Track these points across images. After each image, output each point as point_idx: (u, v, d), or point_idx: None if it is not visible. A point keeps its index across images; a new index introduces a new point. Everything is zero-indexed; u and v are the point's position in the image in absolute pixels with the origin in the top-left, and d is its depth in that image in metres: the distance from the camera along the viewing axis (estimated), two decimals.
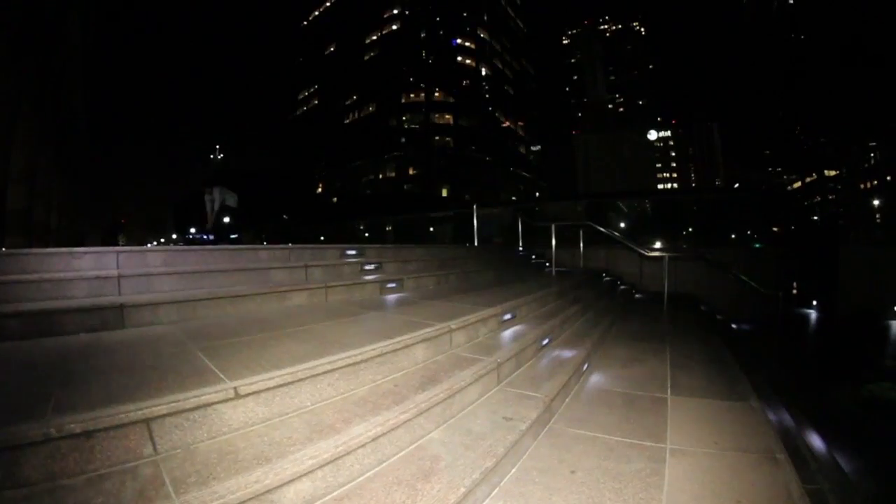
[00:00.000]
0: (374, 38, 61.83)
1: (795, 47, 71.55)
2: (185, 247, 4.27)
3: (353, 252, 4.60)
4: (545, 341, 3.39)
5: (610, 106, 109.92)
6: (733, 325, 7.61)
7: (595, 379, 3.33)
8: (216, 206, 76.85)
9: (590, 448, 2.27)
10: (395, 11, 60.23)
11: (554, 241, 7.35)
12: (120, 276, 2.76)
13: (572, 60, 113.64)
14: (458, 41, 61.64)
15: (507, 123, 69.31)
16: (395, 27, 60.26)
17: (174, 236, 72.98)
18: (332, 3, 67.58)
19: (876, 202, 50.75)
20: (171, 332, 2.37)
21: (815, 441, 3.38)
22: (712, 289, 8.70)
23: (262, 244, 9.46)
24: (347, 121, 63.22)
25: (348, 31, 63.70)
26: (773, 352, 6.13)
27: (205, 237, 59.68)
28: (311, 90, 71.04)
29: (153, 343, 2.15)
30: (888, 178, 52.71)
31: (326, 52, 67.90)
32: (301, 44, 71.77)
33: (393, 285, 4.15)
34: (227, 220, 64.70)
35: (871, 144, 54.90)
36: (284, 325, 2.60)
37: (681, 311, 6.79)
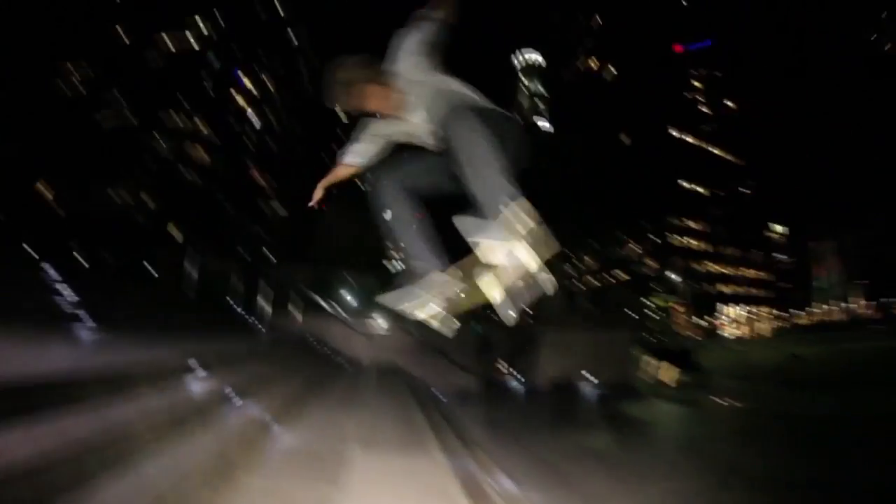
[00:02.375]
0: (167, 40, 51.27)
1: None
2: None
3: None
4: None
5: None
6: (442, 399, 8.26)
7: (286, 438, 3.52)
8: None
9: None
10: None
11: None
12: None
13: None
14: (242, 77, 56.78)
15: (262, 180, 60.27)
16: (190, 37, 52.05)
17: None
18: None
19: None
20: None
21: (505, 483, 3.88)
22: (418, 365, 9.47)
23: None
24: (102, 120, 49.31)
25: None
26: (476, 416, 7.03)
27: None
28: None
29: None
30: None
31: None
32: None
33: None
34: None
35: None
36: None
37: (386, 380, 7.40)
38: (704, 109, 71.03)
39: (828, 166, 67.24)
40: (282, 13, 64.31)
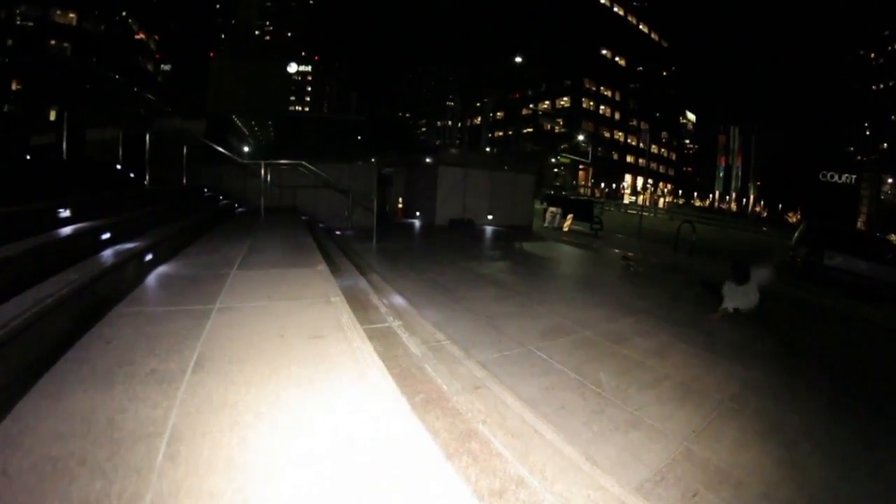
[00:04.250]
0: None
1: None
2: None
3: None
4: (105, 235, 3.44)
5: (257, 32, 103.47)
6: (336, 231, 8.83)
7: (163, 268, 3.72)
8: None
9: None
10: None
11: (151, 159, 7.00)
12: None
13: None
14: None
15: (141, 35, 57.69)
16: None
17: None
18: None
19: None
20: None
21: (395, 298, 4.42)
22: (319, 202, 9.85)
23: None
24: None
25: None
26: (371, 248, 7.44)
27: None
28: None
29: None
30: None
31: None
32: None
33: None
34: None
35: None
36: None
37: (279, 218, 7.52)
38: None
39: (754, 63, 69.95)
40: None
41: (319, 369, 2.15)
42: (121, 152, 7.51)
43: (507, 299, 5.08)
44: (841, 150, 60.07)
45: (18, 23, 41.05)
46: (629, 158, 65.01)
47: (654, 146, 66.91)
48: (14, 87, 40.57)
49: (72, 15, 43.43)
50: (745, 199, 50.06)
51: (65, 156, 7.33)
